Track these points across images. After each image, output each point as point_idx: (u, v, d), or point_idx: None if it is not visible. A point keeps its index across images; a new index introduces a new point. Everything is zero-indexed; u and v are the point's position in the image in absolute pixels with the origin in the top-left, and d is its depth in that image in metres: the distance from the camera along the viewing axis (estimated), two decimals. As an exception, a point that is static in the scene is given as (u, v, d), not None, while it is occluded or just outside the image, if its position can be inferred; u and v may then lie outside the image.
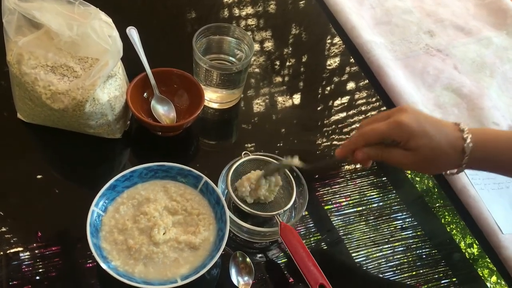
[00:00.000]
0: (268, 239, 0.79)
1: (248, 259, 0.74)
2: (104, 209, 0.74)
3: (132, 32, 0.89)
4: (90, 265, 0.73)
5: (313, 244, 0.82)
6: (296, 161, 0.74)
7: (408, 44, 1.16)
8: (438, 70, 1.10)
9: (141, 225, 0.72)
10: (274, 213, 0.76)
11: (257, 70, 1.06)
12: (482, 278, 0.82)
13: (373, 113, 1.03)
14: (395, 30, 1.19)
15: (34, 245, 0.74)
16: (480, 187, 0.90)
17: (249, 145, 0.93)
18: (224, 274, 0.74)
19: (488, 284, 0.81)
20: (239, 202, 0.76)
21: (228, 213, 0.73)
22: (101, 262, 0.66)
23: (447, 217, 0.89)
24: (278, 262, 0.78)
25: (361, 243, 0.83)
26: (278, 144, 0.94)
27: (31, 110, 0.81)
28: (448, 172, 0.66)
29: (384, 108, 1.04)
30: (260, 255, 0.78)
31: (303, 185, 0.80)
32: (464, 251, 0.85)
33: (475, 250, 0.85)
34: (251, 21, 1.16)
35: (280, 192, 0.81)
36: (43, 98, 0.77)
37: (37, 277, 0.71)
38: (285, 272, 0.77)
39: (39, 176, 0.82)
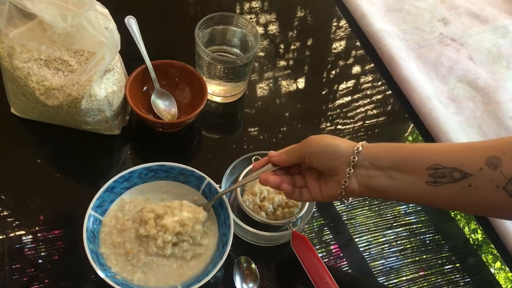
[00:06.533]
0: (275, 243, 0.75)
1: (253, 265, 0.71)
2: (103, 212, 0.70)
3: (131, 22, 0.83)
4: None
5: (315, 229, 0.80)
6: None
7: (421, 33, 1.10)
8: (452, 61, 1.05)
9: (141, 229, 0.68)
10: (285, 221, 0.72)
11: (261, 53, 1.02)
12: (486, 264, 0.81)
13: (378, 97, 1.00)
14: (407, 18, 1.14)
15: (26, 246, 0.71)
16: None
17: (252, 130, 0.90)
18: (227, 280, 0.70)
19: (492, 270, 0.80)
20: (250, 212, 0.72)
21: (232, 216, 0.69)
22: (99, 270, 0.63)
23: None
24: (286, 268, 0.75)
25: (364, 228, 0.81)
26: (282, 129, 0.91)
27: (25, 105, 0.77)
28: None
29: (390, 92, 1.01)
30: (266, 260, 0.74)
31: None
32: (468, 236, 0.84)
33: (479, 235, 0.83)
34: (255, 4, 1.12)
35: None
36: (37, 94, 0.72)
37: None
38: (293, 280, 0.74)
39: (34, 174, 0.78)
